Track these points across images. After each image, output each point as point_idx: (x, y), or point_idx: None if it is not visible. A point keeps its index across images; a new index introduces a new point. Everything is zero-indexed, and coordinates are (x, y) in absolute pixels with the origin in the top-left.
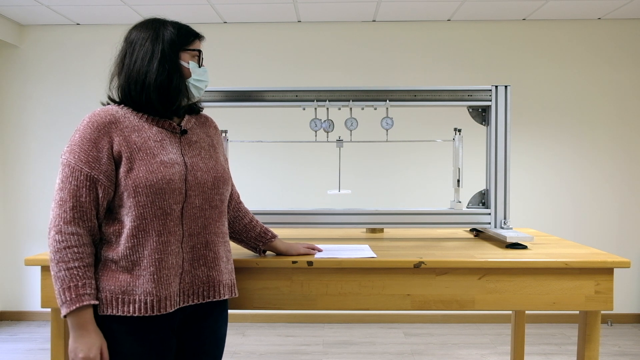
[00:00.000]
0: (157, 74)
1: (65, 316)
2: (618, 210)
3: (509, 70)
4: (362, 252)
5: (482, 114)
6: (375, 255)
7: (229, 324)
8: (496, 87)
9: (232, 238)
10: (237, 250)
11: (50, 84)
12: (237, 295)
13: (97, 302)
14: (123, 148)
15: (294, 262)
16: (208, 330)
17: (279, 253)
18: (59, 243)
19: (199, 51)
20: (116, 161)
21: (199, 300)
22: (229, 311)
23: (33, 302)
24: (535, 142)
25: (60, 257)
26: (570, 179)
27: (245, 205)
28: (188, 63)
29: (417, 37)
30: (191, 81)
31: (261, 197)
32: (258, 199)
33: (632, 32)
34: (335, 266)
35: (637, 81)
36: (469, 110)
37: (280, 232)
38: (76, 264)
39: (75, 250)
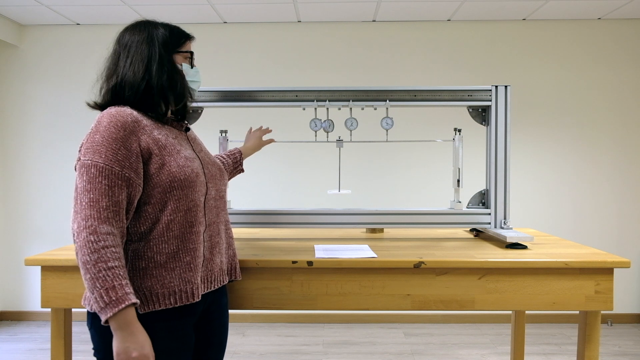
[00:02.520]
0: (158, 77)
1: (107, 319)
2: (618, 210)
3: (509, 70)
4: (362, 252)
5: (482, 114)
6: (375, 255)
7: (229, 323)
8: (496, 87)
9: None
10: (237, 251)
11: (50, 84)
12: (240, 278)
13: (138, 301)
14: (151, 145)
15: (294, 262)
16: (217, 322)
17: (250, 154)
18: (95, 243)
19: (191, 52)
20: (144, 158)
21: (215, 287)
22: (229, 311)
23: (33, 302)
24: (535, 142)
25: (98, 257)
26: (570, 179)
27: (245, 205)
28: (181, 65)
29: (417, 37)
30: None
31: (261, 197)
32: (258, 199)
33: (632, 32)
34: (335, 266)
35: (637, 81)
36: (469, 110)
37: (280, 232)
38: (116, 264)
39: (114, 250)
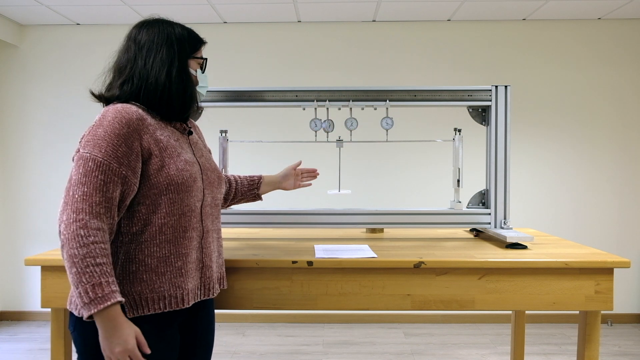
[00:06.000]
0: (177, 84)
1: (90, 316)
2: (618, 210)
3: (509, 70)
4: (362, 252)
5: (482, 114)
6: (375, 255)
7: (228, 323)
8: (496, 87)
9: (233, 203)
10: (237, 251)
11: (50, 84)
12: (226, 287)
13: (123, 299)
14: (152, 145)
15: (294, 262)
16: (205, 319)
17: (277, 187)
18: (85, 238)
19: (205, 59)
20: (144, 158)
21: (212, 295)
22: (229, 311)
23: (33, 302)
24: (535, 142)
25: (87, 252)
26: (570, 179)
27: (245, 206)
28: (196, 71)
29: (417, 37)
30: (197, 88)
31: None
32: None
33: (632, 32)
34: (335, 266)
35: (637, 81)
36: (469, 110)
37: (280, 232)
38: (104, 260)
39: (102, 247)
